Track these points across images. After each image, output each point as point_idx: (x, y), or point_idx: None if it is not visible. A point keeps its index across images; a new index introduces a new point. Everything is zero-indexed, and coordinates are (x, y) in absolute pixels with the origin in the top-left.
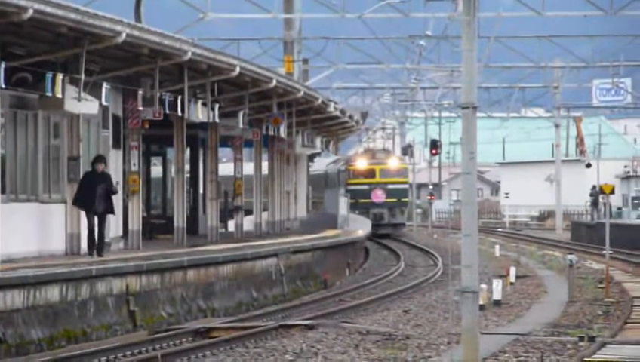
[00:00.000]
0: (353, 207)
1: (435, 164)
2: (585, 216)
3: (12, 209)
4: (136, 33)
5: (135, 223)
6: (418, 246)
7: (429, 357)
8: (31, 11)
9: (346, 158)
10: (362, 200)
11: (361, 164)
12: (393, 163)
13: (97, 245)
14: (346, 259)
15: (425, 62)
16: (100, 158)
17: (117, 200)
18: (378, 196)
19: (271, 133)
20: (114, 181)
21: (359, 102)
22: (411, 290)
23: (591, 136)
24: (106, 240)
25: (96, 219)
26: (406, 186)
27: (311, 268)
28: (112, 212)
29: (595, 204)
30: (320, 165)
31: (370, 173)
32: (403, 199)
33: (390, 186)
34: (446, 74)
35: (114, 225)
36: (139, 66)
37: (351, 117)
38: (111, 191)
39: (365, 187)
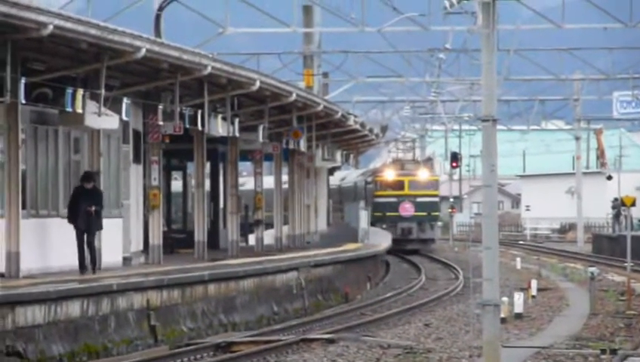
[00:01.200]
0: (380, 221)
1: (456, 176)
2: (606, 229)
3: (33, 224)
4: (156, 48)
5: (156, 238)
6: (439, 259)
7: None
8: (51, 27)
9: (374, 170)
10: (390, 214)
11: (389, 175)
12: (423, 174)
13: (91, 261)
14: (366, 273)
15: (444, 75)
16: (88, 176)
17: (137, 214)
18: (406, 209)
19: (291, 146)
20: (104, 198)
21: (379, 116)
22: (432, 303)
23: (611, 148)
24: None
25: (85, 236)
26: (436, 199)
27: (331, 282)
28: (100, 228)
29: (617, 216)
30: (338, 178)
31: (399, 185)
32: (433, 213)
33: (419, 199)
34: (466, 87)
35: (135, 239)
36: (159, 81)
37: (371, 130)
38: (97, 209)
39: (393, 200)
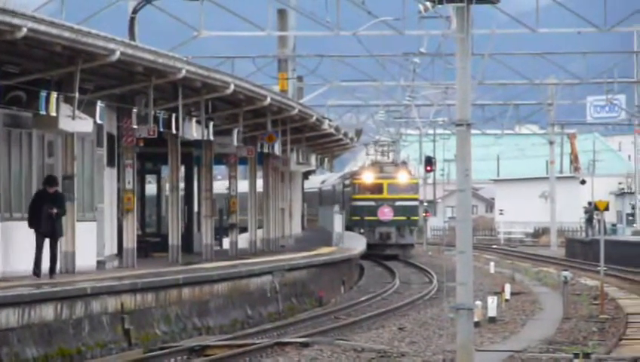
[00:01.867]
0: (358, 225)
1: (430, 181)
2: (579, 233)
3: (7, 228)
4: (130, 51)
5: (130, 241)
6: (413, 263)
7: None
8: (25, 30)
9: (352, 172)
10: (368, 218)
11: (368, 177)
12: (402, 177)
13: (50, 267)
14: (341, 277)
15: (419, 80)
16: (50, 179)
17: (111, 218)
18: (385, 214)
19: (265, 150)
20: (67, 202)
21: (353, 120)
22: (406, 307)
23: (585, 152)
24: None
25: (47, 241)
26: (416, 203)
27: (306, 286)
28: (60, 234)
29: (589, 220)
30: (314, 182)
31: (378, 188)
32: (412, 217)
33: (399, 203)
34: (440, 91)
35: (108, 243)
36: (133, 84)
37: (345, 134)
38: (58, 213)
39: (372, 203)
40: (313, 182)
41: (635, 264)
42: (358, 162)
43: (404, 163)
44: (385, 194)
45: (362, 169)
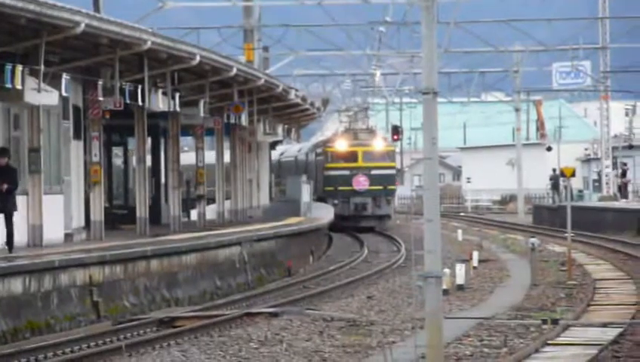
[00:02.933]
0: (331, 196)
1: (397, 149)
2: (546, 200)
3: None
4: (95, 23)
5: (97, 214)
6: (381, 232)
7: (394, 342)
8: None
9: (324, 140)
10: (342, 188)
11: (341, 145)
12: (378, 144)
13: (7, 242)
14: (309, 246)
15: (385, 49)
16: (1, 151)
17: (78, 191)
18: (360, 183)
19: (232, 121)
20: (19, 175)
21: (320, 90)
22: (375, 276)
23: (551, 119)
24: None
25: (2, 216)
26: (393, 172)
27: (274, 256)
28: (12, 209)
29: (555, 187)
30: (278, 152)
31: (352, 156)
32: (389, 187)
33: (375, 172)
34: (406, 60)
35: (76, 216)
36: (98, 56)
37: (312, 104)
38: (9, 188)
39: (346, 172)
40: (284, 152)
41: (602, 230)
42: (325, 132)
43: (372, 130)
44: (360, 163)
45: (335, 136)
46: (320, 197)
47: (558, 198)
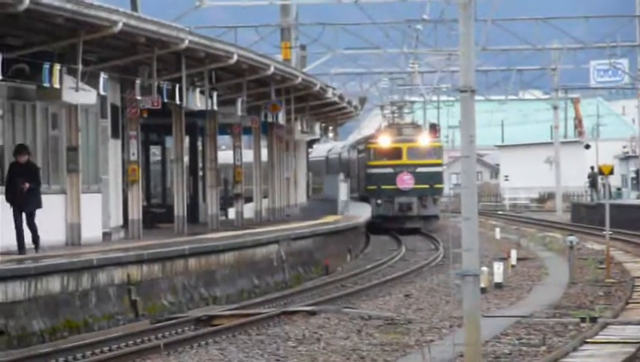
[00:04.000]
0: (374, 195)
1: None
2: (585, 198)
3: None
4: (132, 22)
5: (135, 213)
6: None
7: (432, 341)
8: (27, 2)
9: (366, 137)
10: (385, 187)
11: (384, 141)
12: (424, 140)
13: (33, 241)
14: (346, 245)
15: (422, 47)
16: (21, 148)
17: (116, 189)
18: (405, 182)
19: (269, 119)
20: (40, 173)
21: (357, 88)
22: (413, 274)
23: (589, 117)
24: (106, 230)
25: (24, 215)
26: (440, 169)
27: (312, 254)
28: (37, 207)
29: (593, 185)
30: (320, 151)
31: (396, 153)
32: (436, 185)
33: (420, 169)
34: (444, 57)
35: (114, 214)
36: (136, 55)
37: (349, 102)
38: (33, 185)
39: (389, 170)
40: (320, 151)
41: None
42: (363, 130)
43: (435, 125)
44: (404, 160)
45: (378, 132)
46: (362, 196)
47: (597, 196)
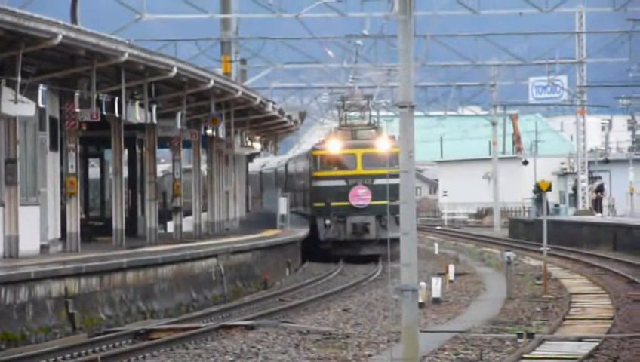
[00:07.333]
0: (322, 214)
1: None
2: (522, 213)
3: None
4: (72, 35)
5: (73, 225)
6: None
7: (369, 355)
8: None
9: (314, 145)
10: (336, 204)
11: (334, 146)
12: (383, 145)
13: None
14: (285, 259)
15: (362, 62)
16: None
17: (54, 202)
18: (360, 197)
19: (209, 133)
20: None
21: (297, 102)
22: (351, 289)
23: (528, 133)
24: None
25: None
26: None
27: (251, 269)
28: None
29: (539, 200)
30: (256, 165)
31: (349, 161)
32: (398, 201)
33: (379, 181)
34: (383, 73)
35: (52, 227)
36: (75, 68)
37: (289, 117)
38: None
39: (340, 183)
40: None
41: (578, 244)
42: (302, 145)
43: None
44: (359, 170)
45: (327, 136)
46: (310, 215)
47: (540, 211)
